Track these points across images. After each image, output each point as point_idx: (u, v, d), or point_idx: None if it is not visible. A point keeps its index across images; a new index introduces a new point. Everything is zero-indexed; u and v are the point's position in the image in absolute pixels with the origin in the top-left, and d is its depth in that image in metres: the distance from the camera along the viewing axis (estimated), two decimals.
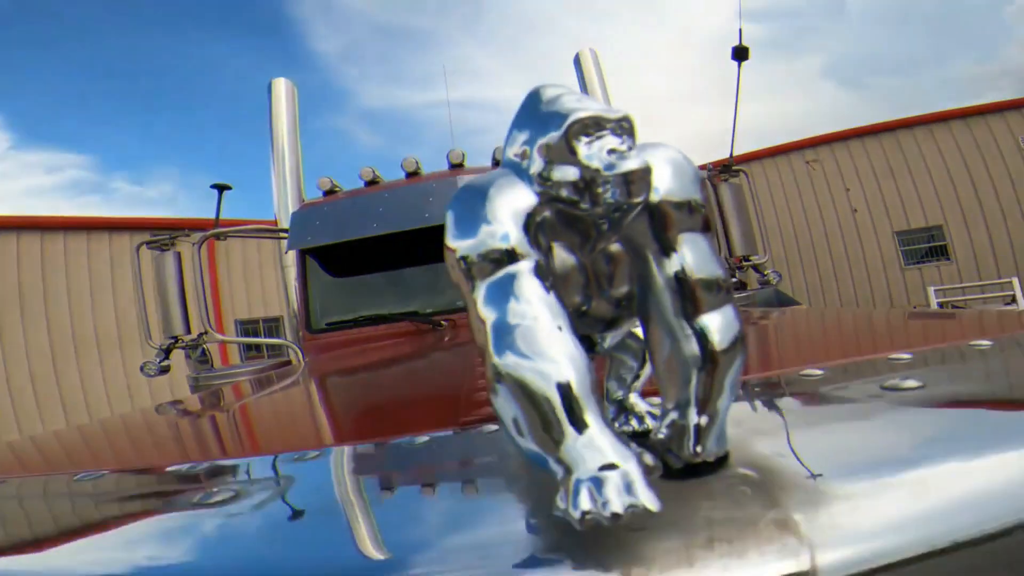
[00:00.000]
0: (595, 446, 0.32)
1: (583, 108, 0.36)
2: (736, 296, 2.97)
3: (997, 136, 15.64)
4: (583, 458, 0.32)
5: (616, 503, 0.30)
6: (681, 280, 0.38)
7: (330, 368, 2.12)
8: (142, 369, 3.07)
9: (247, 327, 14.41)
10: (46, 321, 12.51)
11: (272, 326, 14.45)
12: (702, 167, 3.74)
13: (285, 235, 3.59)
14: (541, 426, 0.33)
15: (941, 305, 12.26)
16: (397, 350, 2.23)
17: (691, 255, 0.38)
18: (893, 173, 16.54)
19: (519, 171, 0.39)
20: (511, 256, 0.36)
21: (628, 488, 0.31)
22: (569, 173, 0.36)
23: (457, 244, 0.39)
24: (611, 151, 0.35)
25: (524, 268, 0.36)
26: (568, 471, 0.32)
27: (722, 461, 0.39)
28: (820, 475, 0.36)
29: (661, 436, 0.39)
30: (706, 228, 0.39)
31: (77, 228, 13.06)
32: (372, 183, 3.09)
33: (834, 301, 17.04)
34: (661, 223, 0.38)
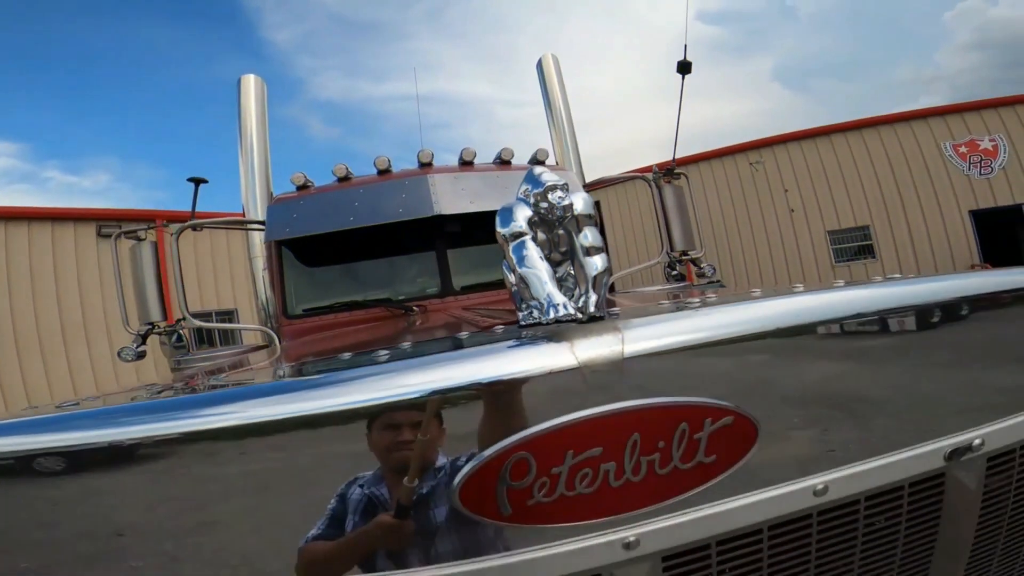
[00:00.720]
0: (554, 295, 0.79)
1: (551, 180, 0.86)
2: (678, 286, 3.44)
3: (921, 141, 16.90)
4: (550, 300, 0.78)
5: (562, 313, 0.76)
6: (585, 244, 0.86)
7: (313, 348, 2.33)
8: (119, 354, 3.19)
9: (198, 319, 14.12)
10: None
11: (225, 318, 14.23)
12: (647, 169, 4.07)
13: (256, 226, 3.73)
14: (535, 290, 0.79)
15: None
16: (374, 331, 2.47)
17: (590, 234, 0.87)
18: (827, 175, 17.65)
19: (525, 201, 0.87)
20: (522, 234, 0.84)
21: (566, 307, 0.77)
22: (544, 204, 0.85)
23: (501, 230, 0.86)
24: (559, 196, 0.84)
25: (527, 239, 0.84)
26: (543, 305, 0.78)
27: (601, 317, 0.81)
28: (639, 319, 0.80)
29: (580, 305, 0.82)
30: (597, 223, 0.91)
31: (17, 218, 12.53)
32: (345, 179, 3.26)
33: None
34: (577, 221, 0.87)
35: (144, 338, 3.24)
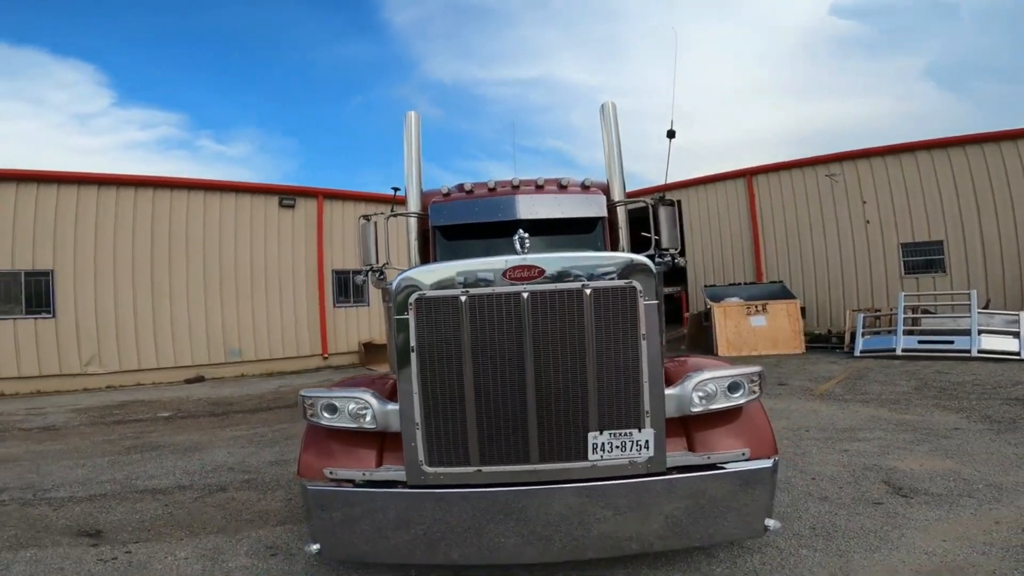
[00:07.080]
0: (519, 251, 3.46)
1: (521, 235, 3.63)
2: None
3: (1007, 161, 17.19)
4: (518, 252, 3.47)
5: (520, 253, 3.46)
6: (525, 247, 3.50)
7: None
8: (355, 280, 6.16)
9: (339, 275, 18.52)
10: (217, 260, 16.43)
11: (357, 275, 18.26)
12: (639, 193, 6.42)
13: (419, 216, 6.60)
14: (517, 251, 3.51)
15: (911, 310, 14.40)
16: None
17: (528, 242, 3.53)
18: (907, 189, 18.37)
19: (516, 238, 3.54)
20: (514, 242, 3.55)
21: (520, 253, 3.47)
22: (519, 240, 3.54)
23: (513, 240, 3.59)
24: (523, 239, 3.57)
25: (516, 242, 3.57)
26: (519, 253, 3.47)
27: (525, 253, 3.44)
28: (533, 253, 3.43)
29: (523, 252, 3.46)
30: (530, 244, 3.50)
31: (228, 190, 16.97)
32: (470, 192, 6.02)
33: (838, 301, 19.21)
34: (527, 242, 3.53)
35: (366, 273, 6.23)
